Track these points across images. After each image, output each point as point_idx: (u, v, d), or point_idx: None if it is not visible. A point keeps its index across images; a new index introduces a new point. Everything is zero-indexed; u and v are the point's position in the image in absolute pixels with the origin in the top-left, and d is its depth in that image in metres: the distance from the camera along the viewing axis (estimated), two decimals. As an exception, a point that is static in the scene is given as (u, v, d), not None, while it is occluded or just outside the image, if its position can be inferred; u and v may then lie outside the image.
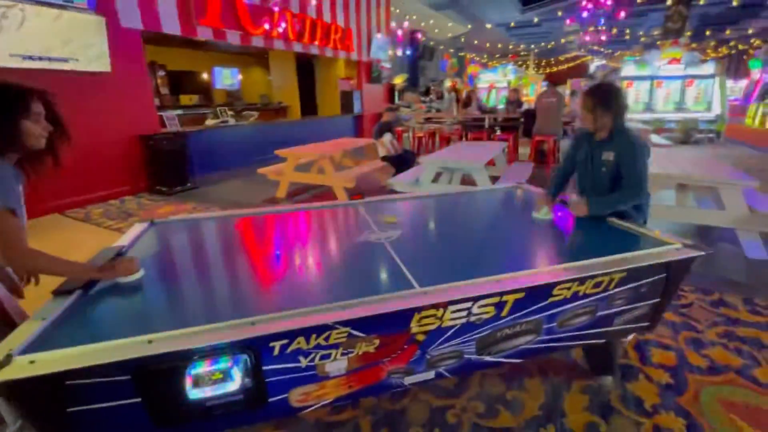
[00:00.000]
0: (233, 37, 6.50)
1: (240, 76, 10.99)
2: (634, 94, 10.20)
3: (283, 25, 7.28)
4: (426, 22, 12.75)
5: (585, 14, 10.74)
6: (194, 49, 9.94)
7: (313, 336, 1.08)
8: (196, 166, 5.89)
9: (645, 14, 12.49)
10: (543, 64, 22.58)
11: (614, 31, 14.50)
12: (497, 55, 21.28)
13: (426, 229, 2.17)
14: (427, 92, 13.22)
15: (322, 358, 1.13)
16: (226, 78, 10.35)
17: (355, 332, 1.12)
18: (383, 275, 1.45)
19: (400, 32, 11.56)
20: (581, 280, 1.33)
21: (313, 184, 5.20)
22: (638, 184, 1.84)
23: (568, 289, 1.33)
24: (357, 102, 10.04)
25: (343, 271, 1.55)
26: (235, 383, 1.05)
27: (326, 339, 1.10)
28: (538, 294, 1.30)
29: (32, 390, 0.91)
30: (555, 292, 1.32)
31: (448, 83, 14.75)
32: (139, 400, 0.99)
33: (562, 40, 17.39)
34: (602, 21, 12.40)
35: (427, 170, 4.34)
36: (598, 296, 1.40)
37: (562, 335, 1.45)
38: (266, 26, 6.93)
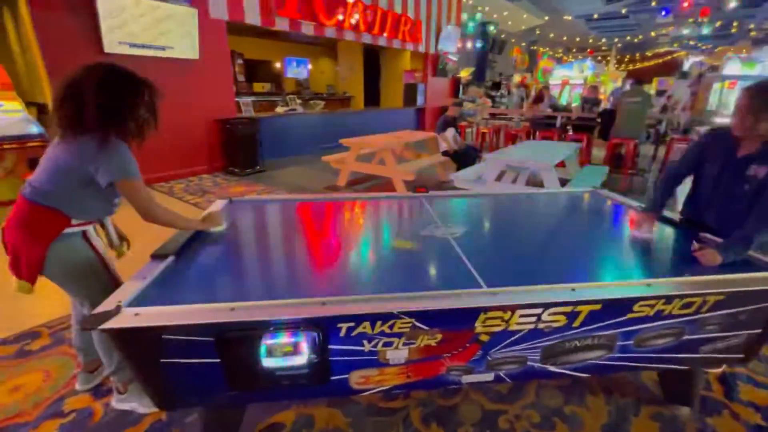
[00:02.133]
0: (307, 28, 6.74)
1: (309, 66, 11.40)
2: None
3: (356, 16, 7.40)
4: (499, 13, 12.22)
5: (685, 5, 9.60)
6: (269, 38, 10.47)
7: (378, 323, 1.10)
8: (266, 151, 6.25)
9: (759, 4, 10.85)
10: (626, 59, 20.65)
11: (719, 23, 12.78)
12: (573, 50, 19.85)
13: (492, 229, 2.11)
14: (496, 86, 12.73)
15: (385, 345, 1.15)
16: (297, 67, 10.79)
17: (419, 324, 1.13)
18: (449, 271, 1.43)
19: (470, 24, 11.21)
20: (668, 299, 1.21)
21: (374, 174, 5.28)
22: None
23: (652, 306, 1.22)
24: (421, 95, 9.96)
25: (409, 262, 1.56)
26: (303, 357, 1.11)
27: (390, 327, 1.12)
28: (616, 308, 1.21)
29: (135, 338, 1.04)
30: (636, 308, 1.22)
31: (517, 78, 14.09)
32: (219, 361, 1.09)
33: (653, 33, 15.72)
34: (705, 12, 10.97)
35: (491, 168, 4.21)
36: (686, 318, 1.27)
37: (637, 355, 1.33)
38: (340, 17, 7.08)
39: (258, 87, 10.58)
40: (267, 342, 1.08)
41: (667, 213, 1.96)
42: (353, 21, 7.38)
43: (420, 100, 9.98)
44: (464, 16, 11.14)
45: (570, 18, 12.76)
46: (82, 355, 1.69)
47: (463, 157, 5.23)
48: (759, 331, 1.37)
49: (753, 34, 14.81)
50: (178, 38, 5.04)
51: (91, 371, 1.72)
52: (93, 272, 1.45)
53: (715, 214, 1.71)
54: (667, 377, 1.68)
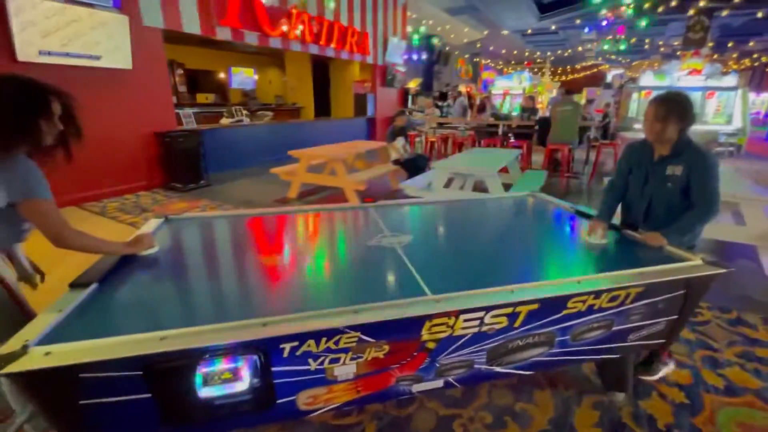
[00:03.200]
0: (251, 38, 6.58)
1: (256, 77, 11.13)
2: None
3: (301, 27, 7.35)
4: (442, 26, 12.74)
5: (604, 23, 10.62)
6: (212, 48, 10.10)
7: (324, 339, 1.07)
8: (210, 164, 5.97)
9: (666, 23, 12.29)
10: (559, 71, 22.38)
11: (633, 40, 14.29)
12: (513, 62, 21.17)
13: (438, 236, 2.15)
14: (443, 97, 13.20)
15: (332, 361, 1.12)
16: (242, 78, 10.48)
17: (365, 337, 1.11)
18: (395, 280, 1.44)
19: (416, 37, 11.58)
20: (597, 294, 1.30)
21: (325, 185, 5.22)
22: (715, 200, 1.67)
23: (584, 302, 1.30)
24: (371, 105, 10.08)
25: (354, 274, 1.54)
26: (244, 383, 1.05)
27: (336, 343, 1.09)
28: (552, 306, 1.28)
29: (46, 381, 0.92)
30: (570, 304, 1.29)
31: (462, 89, 14.72)
32: (149, 395, 1.00)
33: (579, 48, 17.21)
34: (621, 30, 12.22)
35: (439, 175, 4.33)
36: (614, 310, 1.37)
37: (575, 349, 1.41)
38: (284, 28, 7.00)
39: (202, 98, 10.14)
40: (203, 370, 1.01)
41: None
42: (298, 32, 7.33)
43: (370, 111, 10.09)
44: (409, 29, 11.49)
45: (507, 32, 13.62)
46: (-11, 403, 1.48)
47: (413, 166, 5.34)
48: (676, 317, 1.51)
49: (662, 49, 16.73)
50: (108, 47, 4.70)
51: (2, 421, 1.51)
52: (1, 307, 1.28)
53: (646, 214, 1.88)
54: (605, 367, 1.80)
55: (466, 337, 1.23)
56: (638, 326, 1.46)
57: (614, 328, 1.42)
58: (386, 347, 1.16)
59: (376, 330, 1.11)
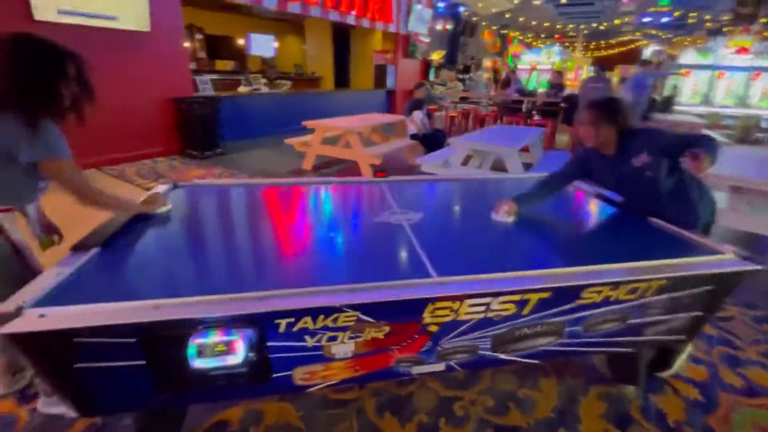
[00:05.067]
0: (269, 1, 6.37)
1: (276, 44, 10.88)
2: (692, 85, 9.40)
3: (321, -9, 7.07)
4: (470, -6, 12.07)
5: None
6: (232, 13, 9.87)
7: (321, 317, 1.04)
8: (227, 132, 5.94)
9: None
10: (592, 46, 21.12)
11: (677, 14, 13.23)
12: (543, 35, 20.06)
13: (450, 215, 2.07)
14: (466, 70, 12.69)
15: (329, 339, 1.09)
16: (261, 45, 10.27)
17: (364, 317, 1.07)
18: (400, 260, 1.38)
19: (441, 4, 11.02)
20: (614, 285, 1.22)
21: (340, 158, 5.15)
22: (699, 136, 1.62)
23: (599, 293, 1.22)
24: (391, 77, 9.77)
25: (358, 251, 1.49)
26: (238, 357, 1.03)
27: (334, 321, 1.06)
28: (564, 295, 1.20)
29: (41, 343, 0.92)
30: (584, 294, 1.21)
31: (488, 62, 14.12)
32: (143, 362, 0.99)
33: (616, 21, 16.08)
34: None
35: (456, 152, 4.18)
36: (631, 303, 1.29)
37: (586, 340, 1.35)
38: (304, -8, 6.74)
39: (221, 65, 10.03)
40: (196, 341, 0.99)
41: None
42: (319, -3, 7.05)
43: (390, 83, 9.80)
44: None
45: (539, 2, 12.80)
46: (3, 355, 1.53)
47: (431, 141, 5.19)
48: (700, 313, 1.41)
49: (708, 24, 15.49)
50: (126, 7, 4.61)
51: (15, 373, 1.57)
52: (7, 270, 1.29)
53: (644, 204, 1.80)
54: (615, 359, 1.73)
55: (470, 323, 1.17)
56: (657, 321, 1.38)
57: (630, 322, 1.34)
58: (386, 328, 1.11)
59: (376, 310, 1.07)
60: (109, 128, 4.71)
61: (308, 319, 1.03)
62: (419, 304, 1.09)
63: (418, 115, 5.22)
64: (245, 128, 6.55)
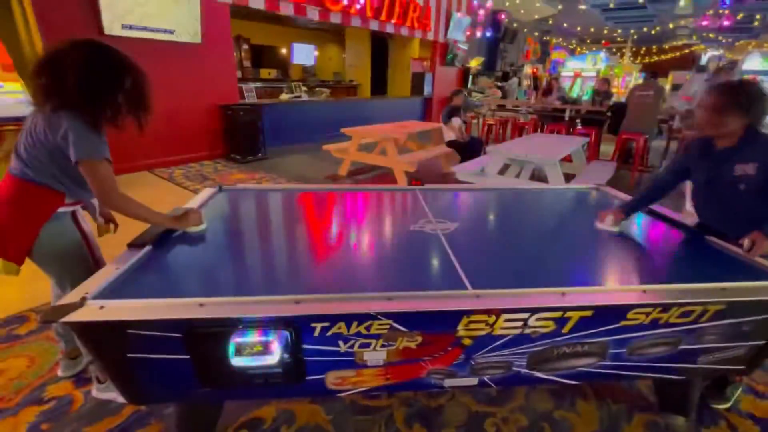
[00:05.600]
0: (313, 13, 6.59)
1: (316, 53, 11.24)
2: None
3: (362, 1, 7.22)
4: (511, 1, 11.88)
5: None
6: (276, 23, 10.31)
7: (355, 323, 1.05)
8: (269, 138, 6.18)
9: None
10: (642, 52, 20.05)
11: (740, 15, 12.29)
12: (588, 41, 19.31)
13: (486, 226, 2.03)
14: (505, 77, 12.45)
15: (362, 346, 1.10)
16: (303, 54, 10.62)
17: (397, 326, 1.07)
18: (434, 270, 1.37)
19: (481, 12, 10.91)
20: (665, 307, 1.14)
21: (375, 164, 5.20)
22: None
23: (647, 314, 1.15)
24: (428, 84, 9.78)
25: (393, 259, 1.50)
26: (274, 357, 1.06)
27: (367, 328, 1.06)
28: (608, 315, 1.14)
29: (99, 332, 0.99)
30: (630, 315, 1.14)
31: (528, 69, 13.78)
32: (187, 357, 1.04)
33: (671, 25, 15.18)
34: (727, 2, 10.47)
35: (494, 161, 4.10)
36: (684, 327, 1.20)
37: (631, 363, 1.27)
38: (345, 2, 6.92)
39: (264, 73, 10.48)
40: (236, 340, 1.03)
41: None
42: (359, 6, 7.20)
43: (427, 90, 9.80)
44: (475, 3, 10.84)
45: (584, 7, 12.36)
46: (63, 341, 1.67)
47: (468, 149, 5.12)
48: (763, 342, 1.29)
49: (776, 27, 14.24)
50: (181, 22, 4.95)
51: (73, 358, 1.70)
52: (79, 256, 1.42)
53: (719, 219, 1.64)
54: (663, 386, 1.61)
55: (506, 338, 1.14)
56: (713, 348, 1.27)
57: (682, 347, 1.25)
58: (419, 338, 1.11)
59: (410, 320, 1.07)
60: (161, 133, 5.05)
61: (342, 324, 1.04)
62: (454, 317, 1.08)
63: (456, 122, 5.18)
64: (286, 134, 6.78)
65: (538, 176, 4.41)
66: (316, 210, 2.05)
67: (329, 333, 1.06)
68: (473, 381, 1.24)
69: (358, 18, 7.42)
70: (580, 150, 4.89)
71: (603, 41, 18.88)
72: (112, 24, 4.32)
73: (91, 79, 1.23)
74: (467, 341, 1.13)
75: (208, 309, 1.01)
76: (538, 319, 1.11)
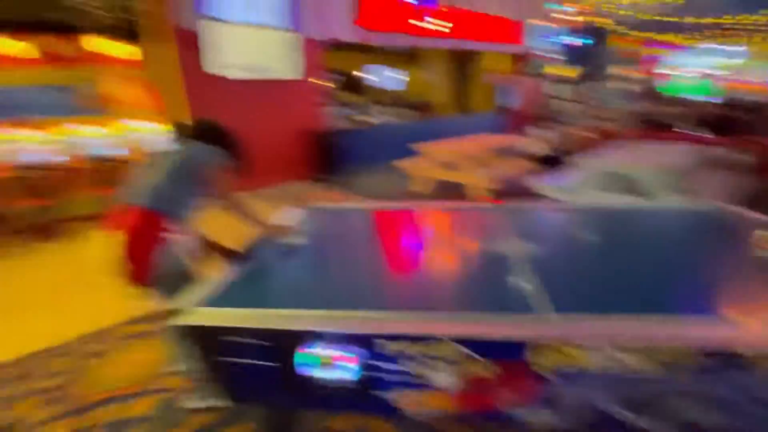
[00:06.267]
0: (404, 41, 6.92)
1: (399, 76, 11.63)
2: None
3: (449, 25, 7.31)
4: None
5: None
6: (356, 51, 10.94)
7: (427, 344, 1.04)
8: (354, 159, 6.57)
9: None
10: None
11: None
12: (706, 32, 16.76)
13: (575, 248, 1.85)
14: (597, 83, 11.45)
15: (435, 369, 1.08)
16: (385, 78, 11.07)
17: (471, 352, 1.03)
18: (514, 293, 1.29)
19: (572, 17, 10.27)
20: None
21: (452, 180, 5.14)
22: None
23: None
24: (511, 97, 9.44)
25: (470, 280, 1.46)
26: (350, 372, 1.10)
27: (443, 351, 1.05)
28: (733, 360, 0.96)
29: (196, 336, 1.14)
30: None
31: (626, 72, 12.48)
32: (272, 364, 1.14)
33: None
34: None
35: (585, 175, 3.76)
36: None
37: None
38: (431, 26, 7.09)
39: (352, 98, 11.14)
40: (315, 352, 1.10)
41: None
42: (446, 30, 7.30)
43: (510, 102, 9.46)
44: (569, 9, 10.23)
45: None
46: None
47: (554, 162, 4.79)
48: None
49: None
50: (283, 60, 5.55)
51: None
52: (186, 275, 1.64)
53: None
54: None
55: (598, 374, 1.02)
56: None
57: None
58: (494, 368, 1.05)
59: (484, 346, 1.03)
60: (260, 159, 5.67)
61: (419, 345, 1.05)
62: (535, 346, 1.00)
63: (541, 134, 4.90)
64: (371, 155, 7.10)
65: (638, 192, 3.90)
66: (393, 228, 2.10)
67: (402, 353, 1.07)
68: (556, 419, 1.12)
69: (442, 39, 7.49)
70: (696, 161, 4.22)
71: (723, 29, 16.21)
72: (223, 66, 5.03)
73: (226, 140, 1.82)
74: (550, 374, 1.04)
75: (294, 321, 1.11)
76: (637, 356, 0.97)
